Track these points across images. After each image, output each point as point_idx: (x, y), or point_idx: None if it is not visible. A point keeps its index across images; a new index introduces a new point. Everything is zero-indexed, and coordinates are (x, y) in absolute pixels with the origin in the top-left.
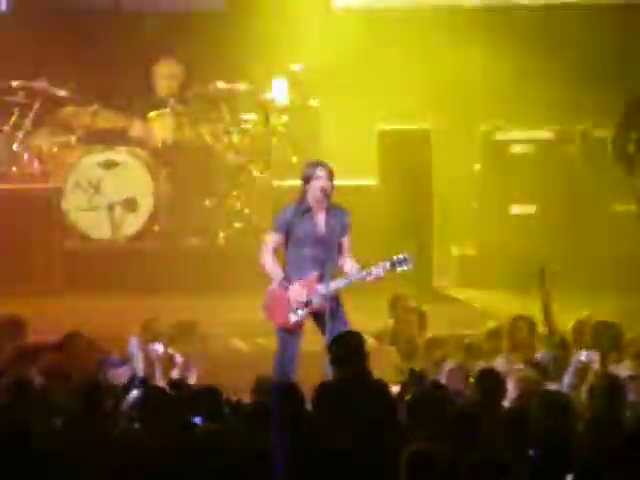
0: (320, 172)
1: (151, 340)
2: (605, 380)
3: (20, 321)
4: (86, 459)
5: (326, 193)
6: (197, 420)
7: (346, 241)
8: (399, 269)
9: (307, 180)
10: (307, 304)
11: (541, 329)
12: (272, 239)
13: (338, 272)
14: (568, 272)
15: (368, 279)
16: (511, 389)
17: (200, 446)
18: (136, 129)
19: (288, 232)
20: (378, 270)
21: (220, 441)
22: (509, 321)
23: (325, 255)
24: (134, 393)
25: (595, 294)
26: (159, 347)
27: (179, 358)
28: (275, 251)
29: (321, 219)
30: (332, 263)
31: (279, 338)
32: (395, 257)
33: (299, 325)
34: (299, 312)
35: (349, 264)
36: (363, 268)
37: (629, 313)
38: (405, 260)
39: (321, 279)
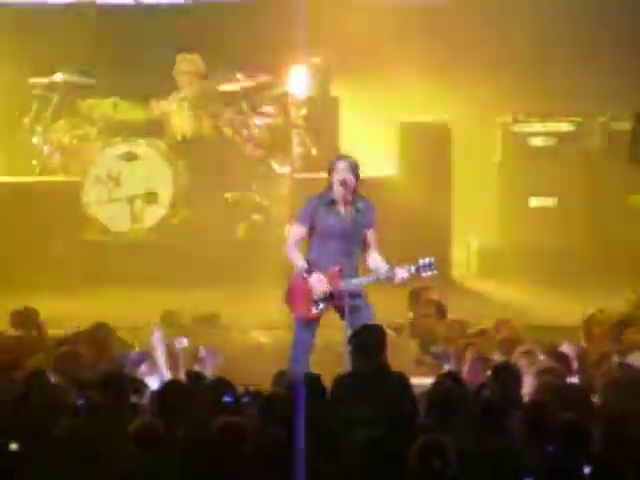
0: (340, 165)
1: (172, 332)
2: (622, 373)
3: (33, 313)
4: (107, 451)
5: (347, 186)
6: (228, 399)
7: (372, 235)
8: (424, 274)
9: (330, 172)
10: (329, 297)
11: None
12: (296, 231)
13: (365, 267)
14: (586, 264)
15: (394, 281)
16: (531, 381)
17: (219, 439)
18: (156, 122)
19: (312, 224)
20: (403, 274)
21: (239, 433)
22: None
23: (349, 249)
24: (154, 386)
25: (613, 286)
26: (183, 340)
27: (202, 350)
28: (300, 243)
29: (346, 212)
30: (356, 257)
31: (297, 328)
32: (421, 261)
33: (319, 317)
34: (320, 305)
35: (377, 261)
36: (390, 267)
37: None
38: (430, 265)
39: (343, 273)
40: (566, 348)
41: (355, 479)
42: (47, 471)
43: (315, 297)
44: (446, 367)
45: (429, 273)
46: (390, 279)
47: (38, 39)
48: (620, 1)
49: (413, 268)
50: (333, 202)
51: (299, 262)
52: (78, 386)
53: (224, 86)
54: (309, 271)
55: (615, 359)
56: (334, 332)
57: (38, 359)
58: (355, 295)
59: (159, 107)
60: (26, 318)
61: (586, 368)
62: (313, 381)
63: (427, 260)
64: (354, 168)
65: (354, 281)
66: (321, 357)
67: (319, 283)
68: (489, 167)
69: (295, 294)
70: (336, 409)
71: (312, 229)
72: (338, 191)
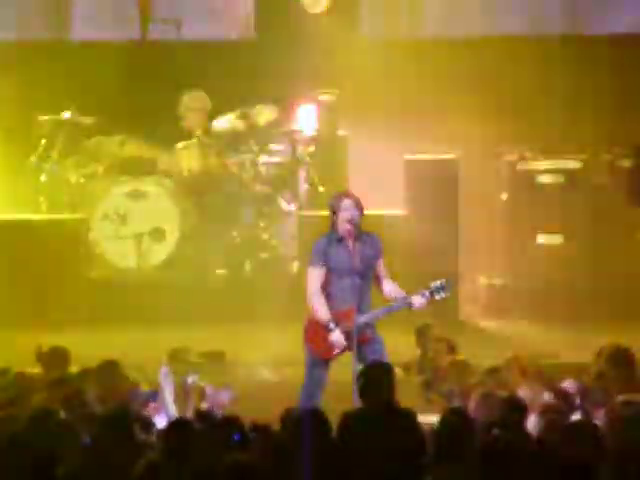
0: (346, 203)
1: (180, 370)
2: (628, 410)
3: (66, 353)
4: None
5: (354, 224)
6: (236, 437)
7: (382, 265)
8: (437, 297)
9: (334, 212)
10: (347, 336)
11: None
12: (314, 275)
13: (382, 297)
14: (594, 302)
15: (412, 308)
16: (535, 419)
17: (228, 477)
18: (163, 160)
19: (325, 261)
20: (420, 301)
21: (247, 471)
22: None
23: (361, 284)
24: (162, 424)
25: (619, 323)
26: (192, 378)
27: (209, 389)
28: (321, 287)
29: (355, 248)
30: (369, 292)
31: (311, 365)
32: (433, 285)
33: (336, 357)
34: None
35: (394, 290)
36: (405, 297)
37: None
38: (443, 287)
39: (360, 309)
40: (569, 385)
41: None
42: None
43: (336, 348)
44: (455, 404)
45: (443, 295)
46: (407, 308)
47: (44, 77)
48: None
49: (427, 292)
50: (341, 240)
51: (323, 316)
52: (85, 424)
53: (231, 124)
54: (332, 328)
55: (620, 398)
56: (341, 369)
57: (43, 396)
58: (368, 329)
59: (170, 156)
60: (54, 357)
61: (588, 405)
62: (318, 418)
63: (439, 282)
64: (358, 204)
65: (369, 316)
66: (328, 394)
67: (339, 339)
68: (497, 204)
69: (315, 333)
70: (343, 446)
71: (326, 269)
72: (345, 229)
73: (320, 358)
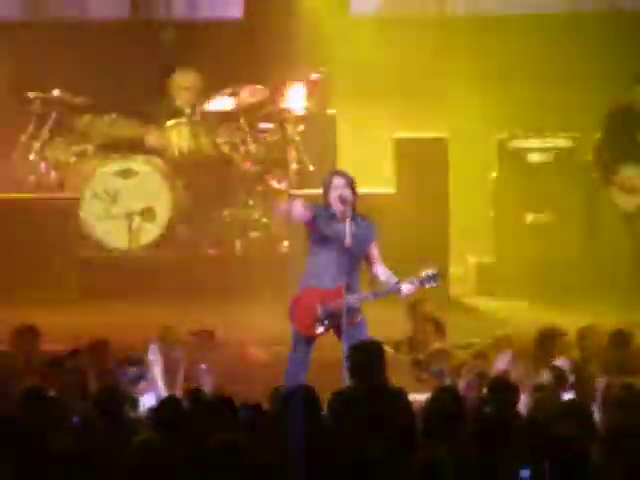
0: (337, 181)
1: (169, 349)
2: (621, 391)
3: (35, 330)
4: (103, 468)
5: (345, 202)
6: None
7: (376, 249)
8: (428, 285)
9: (326, 189)
10: (333, 315)
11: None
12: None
13: (374, 280)
14: (584, 279)
15: (400, 294)
16: (526, 397)
17: (216, 458)
18: (153, 138)
19: (315, 221)
20: (409, 288)
21: (237, 449)
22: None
23: (351, 264)
24: (151, 402)
25: (611, 301)
26: (181, 352)
27: (199, 368)
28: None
29: (348, 228)
30: (358, 273)
31: (295, 344)
32: (424, 274)
33: (321, 335)
34: (325, 322)
35: (386, 274)
36: (395, 282)
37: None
38: (435, 276)
39: (348, 289)
40: (561, 363)
41: None
42: None
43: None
44: (446, 382)
45: (433, 284)
46: (396, 294)
47: (34, 55)
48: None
49: (417, 281)
50: (333, 216)
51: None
52: (76, 403)
53: (222, 103)
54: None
55: (608, 377)
56: (331, 347)
57: (35, 375)
58: (355, 310)
59: (159, 133)
60: (22, 335)
61: (582, 383)
62: (309, 395)
63: (430, 272)
64: (351, 184)
65: (358, 298)
66: (318, 373)
67: (299, 207)
68: (486, 183)
69: (299, 310)
70: (333, 425)
71: (312, 233)
72: (337, 208)
73: (304, 336)
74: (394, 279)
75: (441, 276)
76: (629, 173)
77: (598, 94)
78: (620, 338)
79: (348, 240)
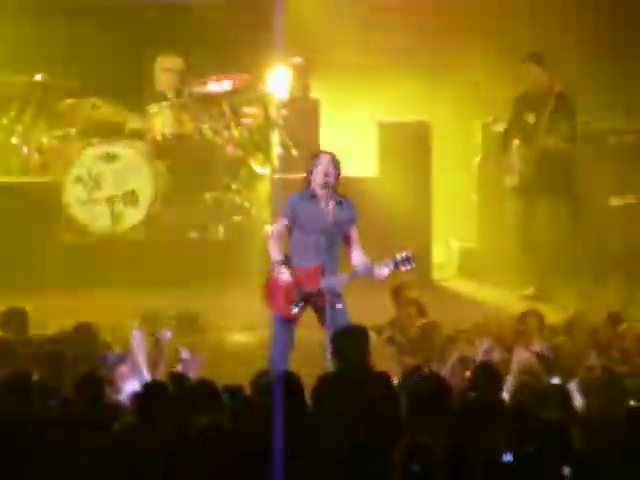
0: (323, 158)
1: (152, 333)
2: (602, 375)
3: (24, 314)
4: (86, 452)
5: (329, 178)
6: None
7: (355, 232)
8: (403, 268)
9: (311, 169)
10: (308, 296)
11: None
12: (278, 225)
13: (347, 263)
14: (567, 264)
15: (375, 277)
16: (510, 381)
17: (200, 441)
18: (136, 123)
19: (294, 217)
20: (382, 270)
21: (219, 436)
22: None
23: (329, 245)
24: (133, 387)
25: (594, 286)
26: (167, 333)
27: (182, 352)
28: (281, 237)
29: (327, 208)
30: (336, 255)
31: (275, 327)
32: (398, 256)
33: (298, 316)
34: (300, 303)
35: (360, 257)
36: (369, 265)
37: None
38: (408, 259)
39: (324, 270)
40: (543, 348)
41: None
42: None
43: (294, 310)
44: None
45: (408, 267)
46: (370, 275)
47: (17, 38)
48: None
49: (391, 263)
50: (314, 197)
51: (275, 256)
52: (60, 385)
53: (204, 87)
54: (282, 266)
55: (594, 360)
56: (315, 331)
57: (20, 359)
58: (334, 294)
59: (142, 118)
60: (11, 318)
61: (564, 368)
62: (291, 380)
63: (404, 254)
64: (336, 163)
65: (334, 279)
66: (302, 358)
67: (287, 280)
68: (470, 167)
69: (273, 291)
70: (317, 410)
71: (293, 224)
72: (320, 185)
73: (281, 317)
74: (367, 261)
75: (414, 258)
76: (514, 152)
77: (583, 78)
78: (610, 320)
79: (328, 220)
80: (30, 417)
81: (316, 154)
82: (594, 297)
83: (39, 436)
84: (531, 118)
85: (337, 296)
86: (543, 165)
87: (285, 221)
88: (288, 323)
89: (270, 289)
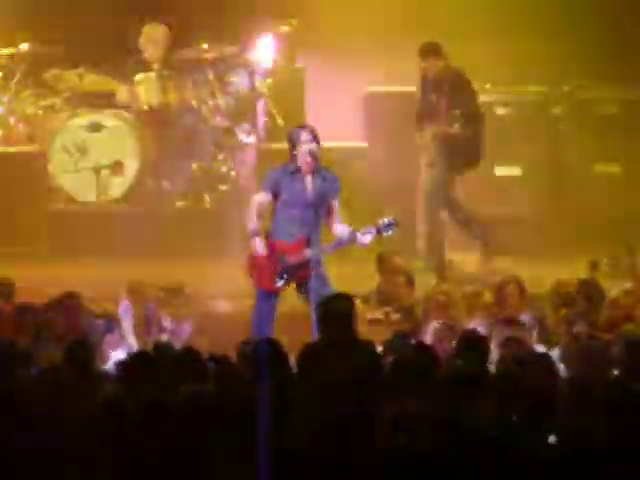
0: (306, 135)
1: (139, 303)
2: (587, 342)
3: (10, 283)
4: (72, 420)
5: (314, 156)
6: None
7: (336, 204)
8: (385, 234)
9: (293, 144)
10: (294, 268)
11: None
12: (259, 198)
13: (330, 235)
14: (552, 233)
15: (358, 244)
16: (494, 350)
17: (185, 405)
18: (122, 92)
19: (276, 192)
20: (366, 237)
21: (204, 400)
22: (497, 283)
23: (313, 218)
24: (121, 355)
25: (579, 255)
26: (152, 307)
27: (169, 322)
28: (263, 211)
29: (311, 182)
30: (320, 227)
31: (258, 298)
32: (381, 222)
33: (282, 289)
34: (285, 276)
35: (341, 226)
36: (352, 232)
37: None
38: (390, 224)
39: (309, 243)
40: (526, 317)
41: (319, 446)
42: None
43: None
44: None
45: (390, 232)
46: (353, 243)
47: (2, 8)
48: None
49: (374, 229)
50: (298, 171)
51: (251, 227)
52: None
53: (190, 56)
54: (255, 238)
55: (578, 328)
56: (299, 300)
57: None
58: (319, 264)
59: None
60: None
61: (547, 337)
62: (275, 349)
63: (387, 220)
64: (316, 137)
65: (318, 249)
66: (287, 326)
67: (261, 250)
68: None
69: (257, 265)
70: (302, 377)
71: (276, 198)
72: (305, 161)
73: (264, 290)
74: (351, 232)
75: (397, 223)
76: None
77: (566, 45)
78: (588, 289)
79: (312, 194)
80: (14, 385)
81: (296, 129)
82: (576, 264)
83: (23, 405)
84: (434, 98)
85: (318, 264)
86: (446, 145)
87: (267, 195)
88: (271, 295)
89: (253, 263)
